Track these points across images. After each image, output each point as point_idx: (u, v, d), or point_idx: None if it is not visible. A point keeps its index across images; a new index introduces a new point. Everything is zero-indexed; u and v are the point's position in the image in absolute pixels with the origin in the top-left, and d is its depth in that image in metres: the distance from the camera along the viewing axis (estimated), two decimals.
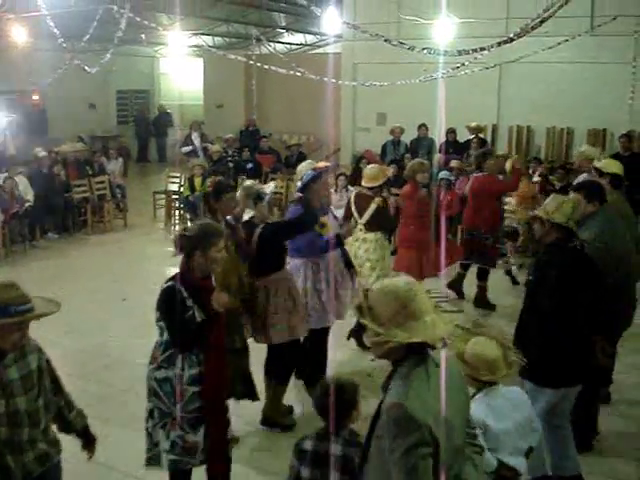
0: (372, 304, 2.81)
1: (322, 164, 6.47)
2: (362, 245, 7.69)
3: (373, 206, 7.69)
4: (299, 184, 6.28)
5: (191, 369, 4.26)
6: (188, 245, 4.32)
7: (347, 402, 3.64)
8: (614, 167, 6.71)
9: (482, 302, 9.25)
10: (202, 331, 4.24)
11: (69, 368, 7.17)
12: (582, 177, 8.12)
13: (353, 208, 7.89)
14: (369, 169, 7.99)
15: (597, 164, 6.91)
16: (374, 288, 2.88)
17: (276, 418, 6.06)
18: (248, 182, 6.38)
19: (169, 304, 4.22)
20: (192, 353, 4.25)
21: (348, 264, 6.72)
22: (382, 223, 7.81)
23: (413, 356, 2.76)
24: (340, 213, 12.20)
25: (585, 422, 5.49)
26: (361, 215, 7.78)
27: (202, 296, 4.26)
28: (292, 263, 6.27)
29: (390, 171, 8.27)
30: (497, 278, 9.89)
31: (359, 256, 7.63)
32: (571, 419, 4.92)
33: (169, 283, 4.28)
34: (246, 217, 6.00)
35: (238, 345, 5.61)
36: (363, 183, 7.85)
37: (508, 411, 3.79)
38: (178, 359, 4.26)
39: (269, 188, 6.18)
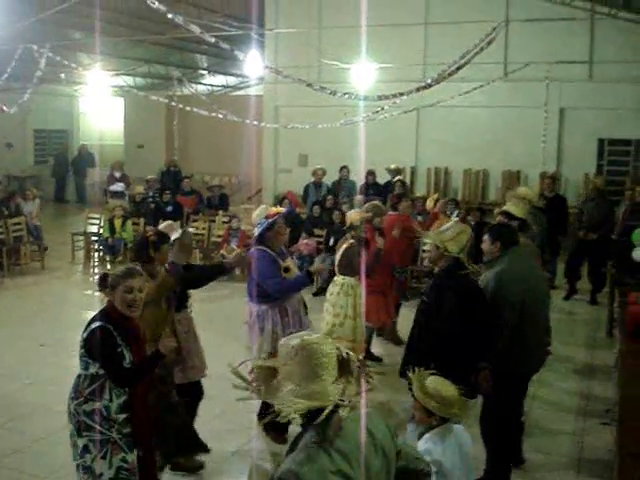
0: (276, 366, 2.65)
1: (275, 210, 6.48)
2: (332, 288, 7.47)
3: (344, 246, 7.53)
4: (256, 230, 6.31)
5: (119, 398, 4.31)
6: (101, 283, 4.46)
7: None
8: (522, 212, 6.91)
9: (391, 335, 9.35)
10: (143, 372, 4.39)
11: None
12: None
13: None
14: (349, 213, 8.24)
15: (508, 208, 7.04)
16: (279, 347, 2.71)
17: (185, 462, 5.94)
18: (166, 222, 6.34)
19: (102, 344, 4.25)
20: None
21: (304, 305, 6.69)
22: (348, 265, 7.48)
23: (316, 420, 2.55)
24: None
25: (499, 452, 5.62)
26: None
27: (128, 335, 4.35)
28: (257, 309, 6.26)
29: (365, 215, 8.16)
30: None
31: (327, 299, 7.44)
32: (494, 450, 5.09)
33: (99, 323, 4.29)
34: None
35: (174, 399, 5.46)
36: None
37: (456, 449, 3.90)
38: (106, 391, 4.29)
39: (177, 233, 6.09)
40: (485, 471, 5.49)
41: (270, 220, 6.18)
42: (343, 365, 2.68)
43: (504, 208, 7.12)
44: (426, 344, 5.03)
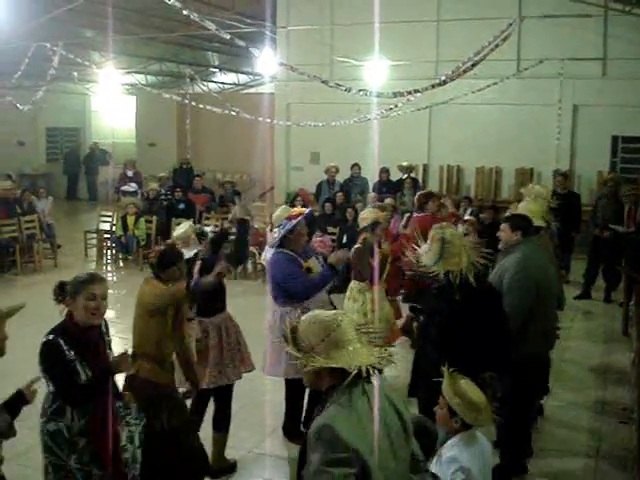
0: (298, 333, 2.90)
1: (297, 210, 6.37)
2: (347, 293, 7.39)
3: (355, 247, 7.34)
4: (276, 232, 6.18)
5: (81, 420, 4.12)
6: (57, 293, 4.32)
7: None
8: (539, 211, 6.83)
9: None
10: (92, 391, 4.13)
11: None
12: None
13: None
14: (363, 213, 7.78)
15: (526, 208, 6.96)
16: (302, 319, 2.97)
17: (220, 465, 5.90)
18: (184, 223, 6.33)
19: (50, 359, 4.08)
20: None
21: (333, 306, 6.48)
22: (354, 269, 7.34)
23: (342, 384, 2.80)
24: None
25: (520, 444, 5.62)
26: None
27: (86, 348, 4.13)
28: (280, 311, 6.10)
29: (382, 214, 7.83)
30: None
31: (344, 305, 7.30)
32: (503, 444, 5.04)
33: (49, 337, 4.12)
34: (189, 254, 5.94)
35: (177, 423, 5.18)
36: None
37: (480, 457, 3.82)
38: (67, 410, 4.11)
39: (209, 227, 6.12)
40: (499, 466, 5.39)
41: (293, 222, 6.02)
42: (360, 332, 2.96)
43: (520, 208, 7.03)
44: (432, 362, 4.69)
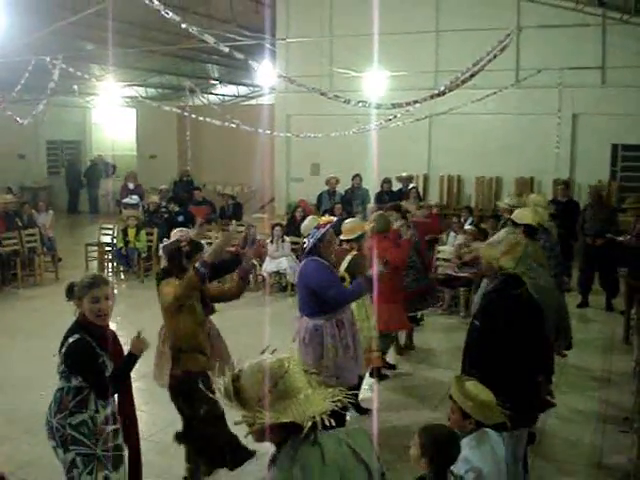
0: (241, 385, 2.59)
1: (325, 219, 6.31)
2: None
3: (347, 258, 7.12)
4: (307, 241, 6.07)
5: (105, 409, 4.31)
6: (68, 293, 4.45)
7: None
8: (528, 218, 6.85)
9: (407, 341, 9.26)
10: (121, 379, 4.42)
11: (1, 428, 6.96)
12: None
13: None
14: (346, 223, 7.33)
15: (516, 215, 7.01)
16: (243, 368, 2.65)
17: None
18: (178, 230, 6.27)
19: (82, 357, 4.23)
20: None
21: None
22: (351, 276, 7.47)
23: (293, 437, 2.56)
24: (277, 264, 12.27)
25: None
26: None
27: (106, 341, 4.35)
28: (313, 324, 6.00)
29: (368, 226, 7.73)
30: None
31: None
32: None
33: (76, 336, 4.26)
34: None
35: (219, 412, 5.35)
36: (341, 237, 7.18)
37: (492, 455, 3.87)
38: (91, 402, 4.27)
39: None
40: None
41: (322, 230, 5.95)
42: (309, 374, 2.68)
43: (513, 215, 7.07)
44: (478, 369, 4.70)
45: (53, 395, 4.37)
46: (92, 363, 4.24)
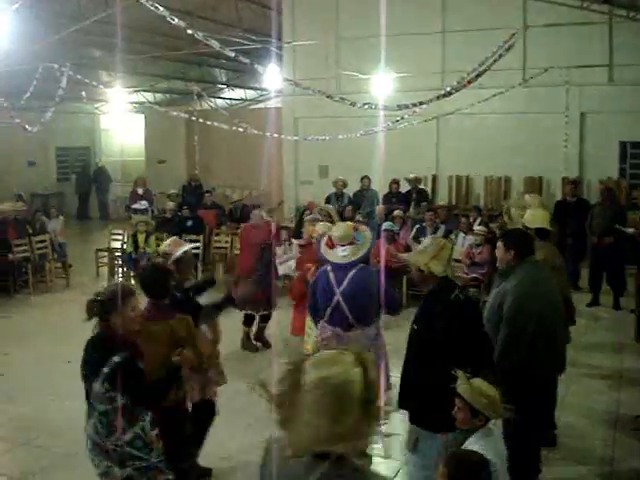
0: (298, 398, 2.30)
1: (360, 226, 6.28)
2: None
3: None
4: (343, 250, 5.85)
5: (148, 415, 4.36)
6: (100, 310, 4.28)
7: None
8: (537, 221, 6.81)
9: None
10: (167, 389, 4.48)
11: (12, 434, 6.99)
12: None
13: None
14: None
15: (524, 219, 6.97)
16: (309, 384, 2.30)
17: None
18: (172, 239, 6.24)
19: (130, 379, 4.15)
20: None
21: None
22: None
23: None
24: (287, 267, 12.26)
25: (525, 466, 5.52)
26: None
27: (137, 351, 4.35)
28: (372, 332, 5.93)
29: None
30: None
31: None
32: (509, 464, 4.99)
33: (121, 358, 4.16)
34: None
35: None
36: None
37: (496, 443, 3.94)
38: (138, 415, 4.31)
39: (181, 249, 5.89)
40: None
41: (375, 240, 5.95)
42: (365, 405, 2.29)
43: (526, 218, 7.01)
44: (420, 374, 4.74)
45: (96, 419, 4.31)
46: (138, 381, 4.22)
